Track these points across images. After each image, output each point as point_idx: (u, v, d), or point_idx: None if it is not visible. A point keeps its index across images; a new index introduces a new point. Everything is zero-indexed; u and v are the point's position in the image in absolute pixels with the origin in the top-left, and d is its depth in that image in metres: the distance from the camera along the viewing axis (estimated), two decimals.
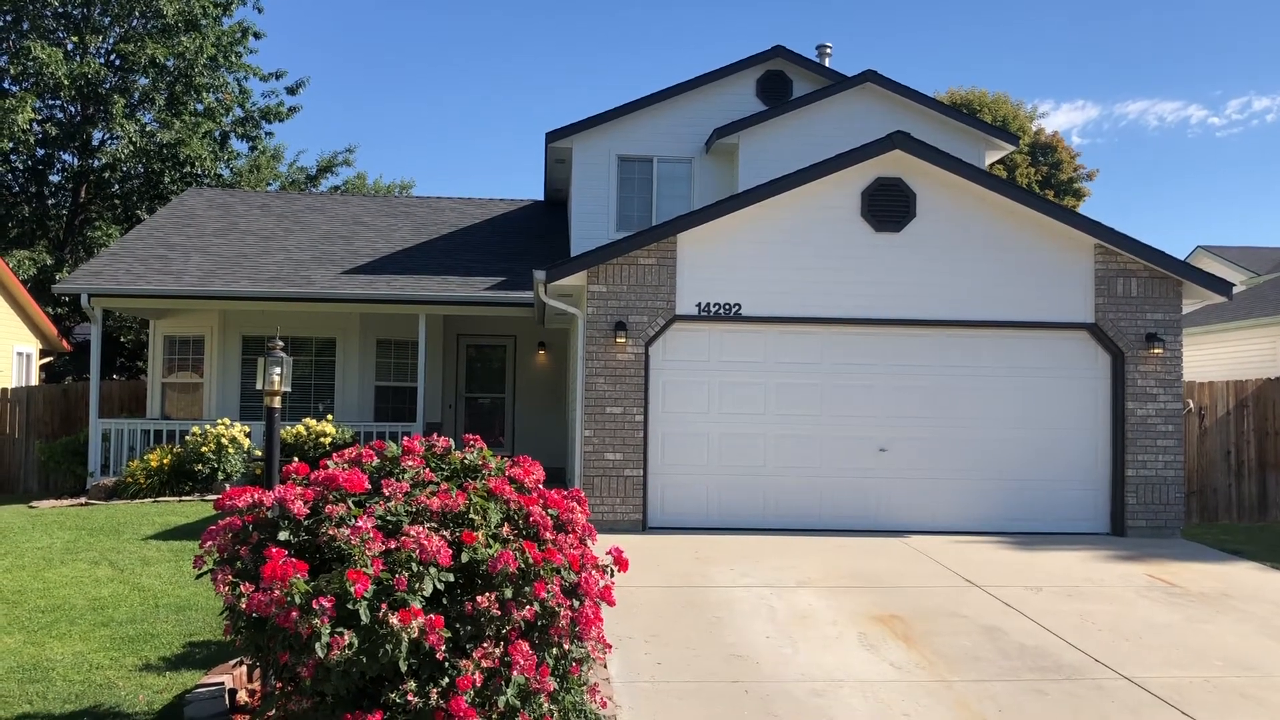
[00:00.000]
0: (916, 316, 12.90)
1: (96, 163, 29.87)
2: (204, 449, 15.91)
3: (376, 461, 5.67)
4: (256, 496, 5.12)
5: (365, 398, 19.42)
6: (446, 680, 4.76)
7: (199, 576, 5.15)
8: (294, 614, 4.41)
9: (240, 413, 18.88)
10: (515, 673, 4.81)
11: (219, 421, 16.59)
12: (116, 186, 30.75)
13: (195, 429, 16.49)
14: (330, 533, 4.79)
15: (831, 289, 12.83)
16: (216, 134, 31.92)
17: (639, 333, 12.54)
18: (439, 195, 24.95)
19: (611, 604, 5.49)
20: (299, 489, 5.12)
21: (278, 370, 6.23)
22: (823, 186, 12.87)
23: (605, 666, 6.96)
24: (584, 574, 5.31)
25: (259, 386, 6.25)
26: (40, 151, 30.21)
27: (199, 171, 29.96)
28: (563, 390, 19.41)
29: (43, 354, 27.50)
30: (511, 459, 6.06)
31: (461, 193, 31.37)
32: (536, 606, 4.98)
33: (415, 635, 4.55)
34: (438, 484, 5.47)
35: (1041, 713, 6.62)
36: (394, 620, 4.48)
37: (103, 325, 17.54)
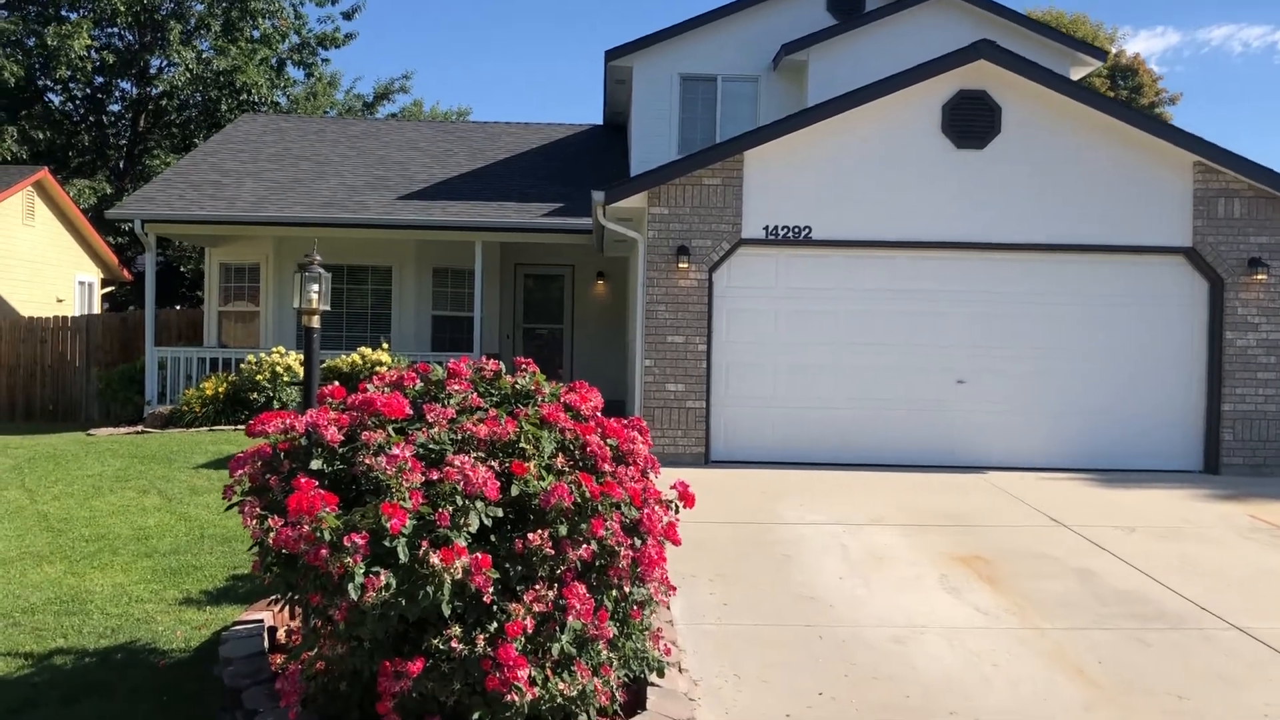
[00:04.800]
0: (999, 240, 12.10)
1: (154, 90, 29.69)
2: (258, 377, 15.67)
3: (420, 385, 5.18)
4: (288, 421, 4.66)
5: (422, 328, 19.05)
6: (495, 625, 4.30)
7: (229, 508, 4.72)
8: (323, 551, 3.96)
9: (296, 341, 18.59)
10: (570, 618, 4.33)
11: (274, 350, 16.34)
12: (174, 115, 30.56)
13: (250, 357, 16.25)
14: (366, 462, 4.31)
15: (908, 210, 12.07)
16: (273, 61, 31.51)
17: (702, 258, 11.92)
18: (496, 121, 24.34)
19: (677, 543, 4.99)
20: (333, 414, 4.64)
21: (315, 287, 5.76)
22: (900, 100, 12.05)
23: (668, 609, 6.49)
24: (646, 510, 4.80)
25: (295, 305, 5.78)
26: (99, 80, 30.04)
27: (255, 99, 29.61)
28: (622, 321, 18.88)
29: (104, 284, 27.60)
30: (567, 385, 5.54)
31: (519, 119, 30.66)
32: (594, 545, 4.48)
33: (459, 576, 4.08)
34: (486, 410, 4.97)
35: (1148, 665, 6.03)
36: (435, 559, 4.01)
37: (163, 254, 17.44)
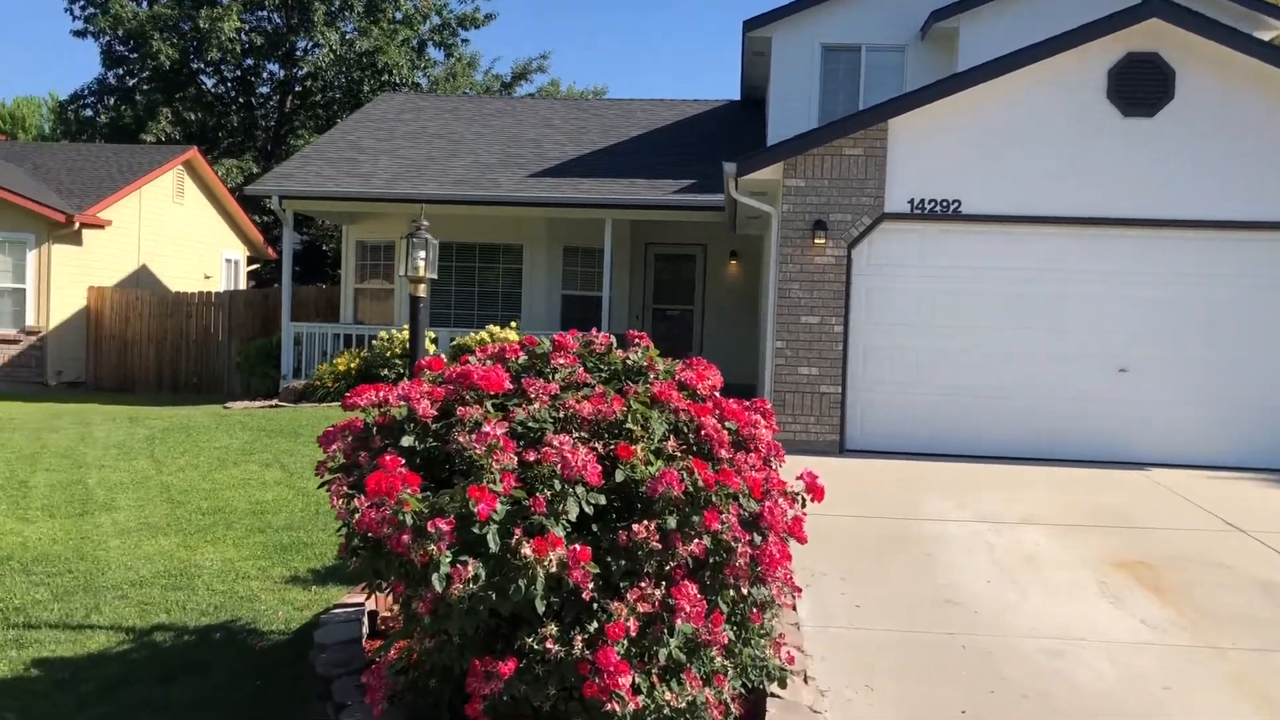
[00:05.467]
0: (1170, 216, 11.04)
1: (299, 72, 30.34)
2: (389, 353, 15.67)
3: (523, 358, 4.76)
4: (381, 395, 4.29)
5: (552, 307, 18.83)
6: (594, 625, 3.84)
7: (320, 486, 4.38)
8: (405, 537, 3.56)
9: (431, 319, 18.61)
10: (680, 620, 3.84)
11: (405, 326, 16.32)
12: (318, 96, 31.21)
13: (382, 333, 16.28)
14: (460, 440, 3.90)
15: (1067, 184, 11.11)
16: (414, 42, 31.85)
17: (840, 233, 11.23)
18: (630, 98, 23.95)
19: (803, 540, 4.44)
20: (427, 386, 4.25)
21: (422, 254, 5.41)
22: (1061, 64, 11.09)
23: (793, 610, 5.93)
24: (768, 502, 4.27)
25: (400, 272, 5.45)
26: (248, 62, 30.88)
27: (396, 80, 29.98)
28: (755, 303, 18.26)
29: (250, 261, 28.36)
30: (684, 362, 5.03)
31: (655, 96, 30.17)
32: (707, 540, 3.97)
33: (554, 569, 3.63)
34: (592, 387, 4.51)
35: None
36: (527, 550, 3.57)
37: (306, 233, 17.65)
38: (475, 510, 3.51)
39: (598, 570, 3.80)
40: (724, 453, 4.30)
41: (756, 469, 4.46)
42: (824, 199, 11.22)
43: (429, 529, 3.51)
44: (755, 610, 4.45)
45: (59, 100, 35.11)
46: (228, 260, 26.94)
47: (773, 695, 4.64)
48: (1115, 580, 7.06)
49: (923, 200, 11.20)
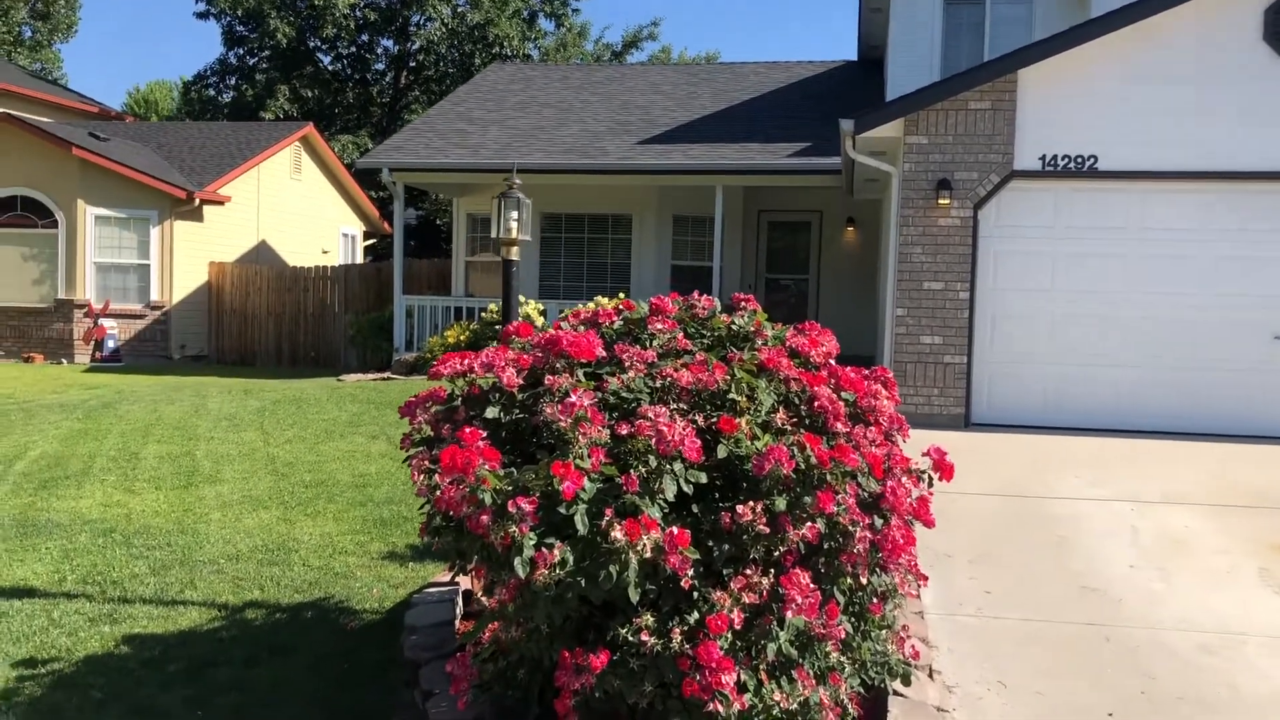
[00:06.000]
0: None
1: (413, 46, 30.48)
2: (498, 325, 15.52)
3: (618, 324, 4.38)
4: (465, 363, 3.97)
5: (661, 277, 18.43)
6: (695, 616, 3.47)
7: (405, 460, 4.10)
8: (484, 517, 3.23)
9: (539, 291, 18.43)
10: (790, 613, 3.44)
11: None
12: (431, 70, 31.36)
13: (491, 305, 16.15)
14: (546, 411, 3.55)
15: (1215, 135, 10.20)
16: (524, 13, 31.71)
17: (966, 192, 10.54)
18: (742, 61, 23.33)
19: (929, 524, 3.98)
20: (513, 354, 3.92)
21: (515, 215, 5.09)
22: (1210, 5, 10.16)
23: (918, 598, 5.46)
24: (890, 482, 3.82)
25: (493, 234, 5.14)
26: (362, 38, 31.18)
27: (508, 52, 29.89)
28: (873, 271, 17.56)
29: (366, 236, 28.70)
30: (794, 327, 4.59)
31: (768, 58, 29.32)
32: (821, 524, 3.55)
33: (648, 554, 3.26)
34: (693, 354, 4.11)
35: None
36: (617, 533, 3.21)
37: (421, 208, 17.62)
38: (560, 489, 3.16)
39: (698, 556, 3.42)
40: (840, 426, 3.86)
41: (877, 444, 4.01)
42: (948, 157, 10.54)
43: (510, 509, 3.18)
44: (875, 600, 4.01)
45: (185, 82, 36.09)
46: (344, 235, 27.29)
47: (896, 693, 4.21)
48: (1278, 568, 6.39)
49: (1055, 157, 10.42)
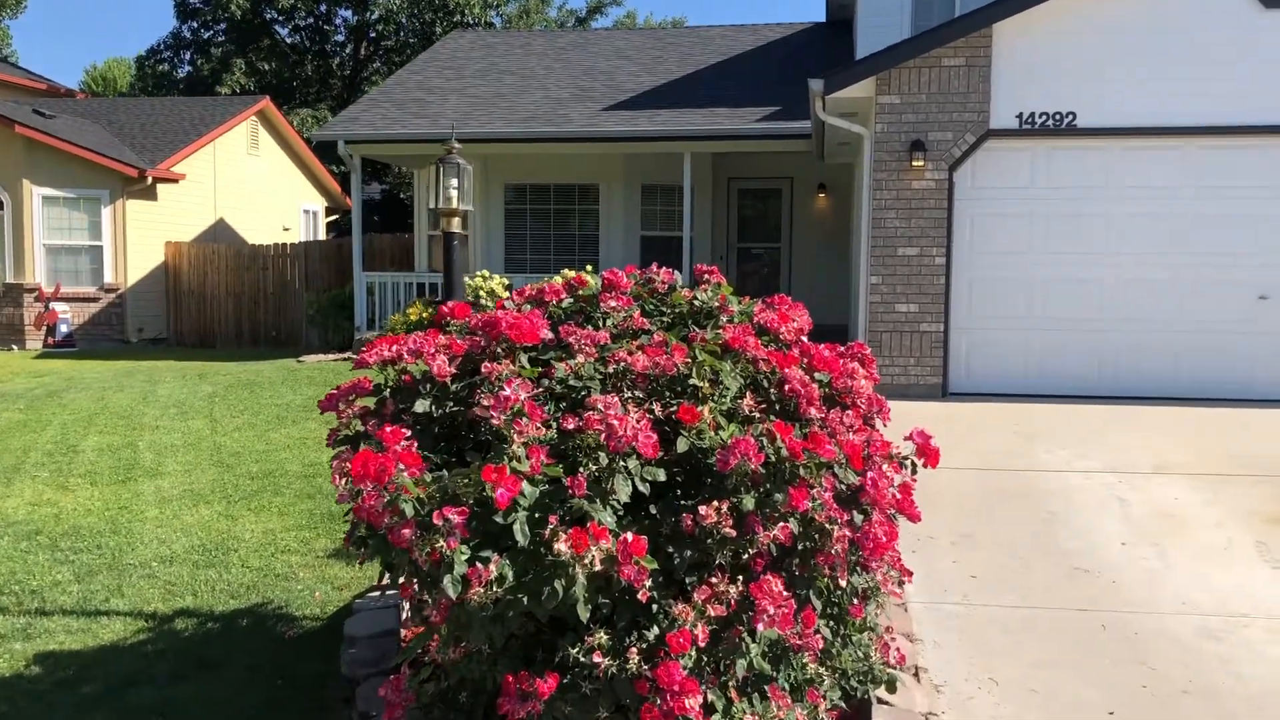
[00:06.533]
0: None
1: (372, 16, 29.71)
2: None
3: (568, 301, 3.96)
4: (394, 350, 3.54)
5: (630, 249, 17.96)
6: (655, 632, 3.07)
7: (333, 458, 3.67)
8: (406, 531, 2.81)
9: (505, 265, 17.92)
10: (761, 625, 3.04)
11: (477, 274, 15.62)
12: (391, 40, 30.61)
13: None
14: (481, 406, 3.12)
15: (1198, 89, 9.83)
16: None
17: (941, 153, 10.13)
18: (709, 25, 22.78)
19: (915, 518, 3.59)
20: (445, 338, 3.48)
21: (454, 183, 4.63)
22: None
23: (902, 596, 5.09)
24: (870, 472, 3.42)
25: (430, 205, 4.67)
26: (320, 8, 30.36)
27: (469, 20, 29.18)
28: (846, 239, 17.16)
29: (329, 212, 28.03)
30: (764, 302, 4.18)
31: (735, 22, 28.66)
32: (794, 524, 3.15)
33: (597, 567, 2.85)
34: (650, 334, 3.69)
35: None
36: (561, 544, 2.80)
37: (384, 182, 17.09)
38: (492, 496, 2.74)
39: (656, 565, 3.02)
40: (814, 411, 3.46)
41: (855, 430, 3.61)
42: (921, 117, 10.13)
43: (435, 521, 2.76)
44: (856, 602, 3.63)
45: (139, 58, 35.10)
46: (306, 211, 26.63)
47: (880, 702, 3.84)
48: (1277, 540, 6.07)
49: (1032, 114, 10.03)
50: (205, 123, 22.51)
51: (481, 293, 14.84)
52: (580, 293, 3.91)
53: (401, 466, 2.78)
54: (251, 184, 23.97)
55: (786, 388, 3.47)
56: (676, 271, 4.19)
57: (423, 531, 2.81)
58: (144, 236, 20.42)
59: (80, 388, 12.02)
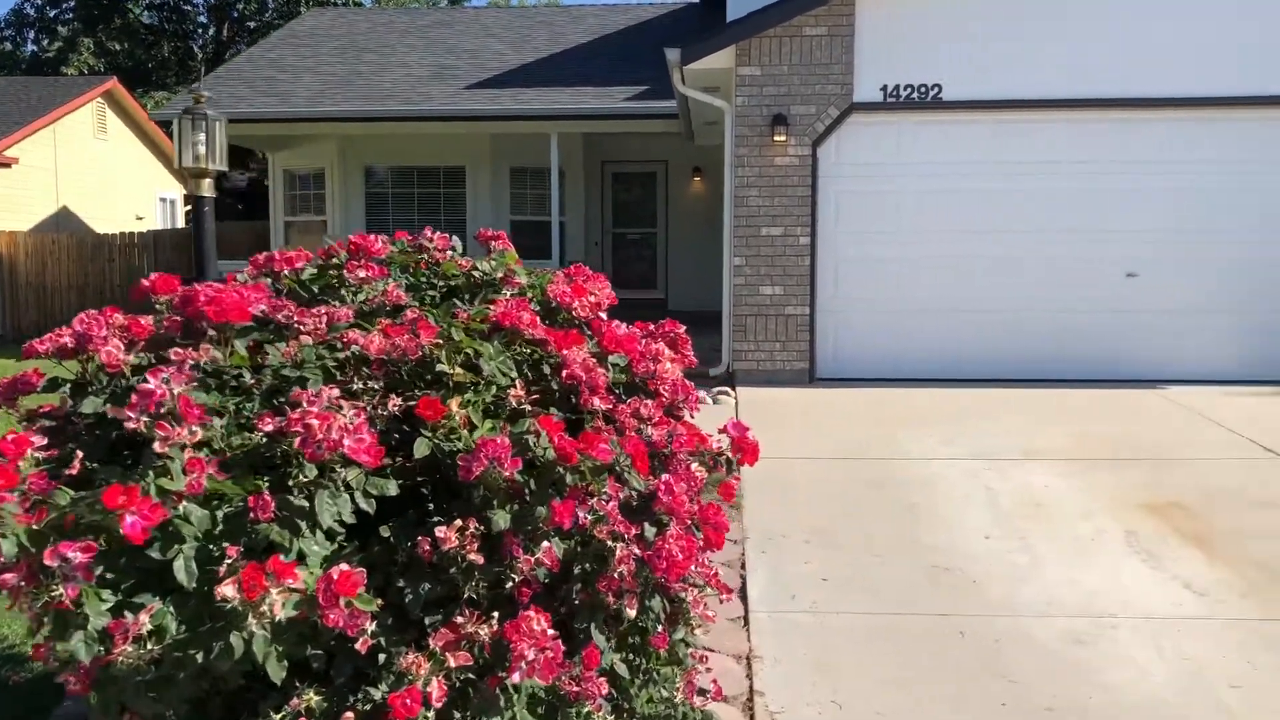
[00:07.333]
0: (1187, 94, 9.50)
1: None
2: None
3: (310, 271, 3.25)
4: (71, 335, 2.79)
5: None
6: (383, 690, 2.40)
7: None
8: (10, 576, 2.08)
9: None
10: (517, 674, 2.39)
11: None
12: (255, 20, 29.15)
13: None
14: (127, 406, 2.39)
15: (1069, 62, 9.53)
16: None
17: (804, 128, 9.64)
18: (580, 3, 22.09)
19: (718, 542, 2.97)
20: (123, 319, 2.75)
21: (201, 138, 3.87)
22: None
23: (713, 615, 4.51)
24: (667, 475, 2.80)
25: (177, 164, 3.92)
26: None
27: (336, 0, 27.93)
28: (720, 222, 16.67)
29: (188, 199, 26.53)
30: (564, 272, 3.53)
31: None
32: (557, 544, 2.51)
33: (280, 615, 2.17)
34: (402, 310, 3.01)
35: None
36: (227, 589, 2.10)
37: (253, 168, 15.96)
38: (119, 525, 2.03)
39: (377, 606, 2.34)
40: (597, 402, 2.82)
41: (654, 423, 2.99)
42: (784, 89, 9.62)
43: (47, 560, 2.03)
44: (660, 630, 3.00)
45: None
46: (163, 200, 25.16)
47: None
48: (1146, 530, 5.69)
49: (897, 87, 9.61)
50: (44, 104, 21.00)
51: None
52: (322, 262, 3.21)
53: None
54: (99, 170, 22.48)
55: (565, 373, 2.83)
56: (455, 237, 3.52)
57: (38, 576, 2.08)
58: None
59: None
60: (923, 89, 9.56)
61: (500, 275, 3.36)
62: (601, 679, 2.65)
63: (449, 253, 3.43)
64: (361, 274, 3.06)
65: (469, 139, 16.43)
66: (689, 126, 13.41)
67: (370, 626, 2.36)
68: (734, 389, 9.39)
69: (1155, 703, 3.80)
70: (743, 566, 5.21)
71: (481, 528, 2.50)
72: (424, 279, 3.38)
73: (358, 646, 2.34)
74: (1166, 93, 9.49)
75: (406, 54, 17.73)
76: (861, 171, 9.78)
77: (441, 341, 2.72)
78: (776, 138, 9.55)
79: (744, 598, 4.80)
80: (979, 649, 4.30)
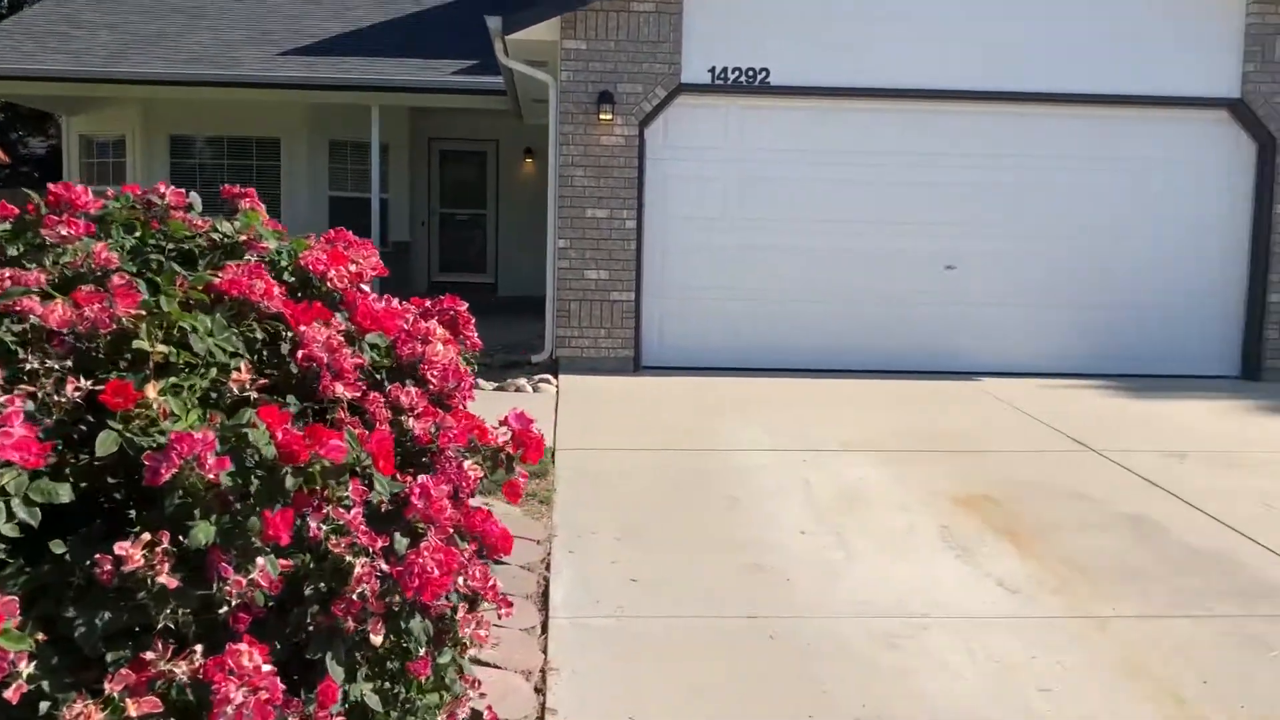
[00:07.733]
0: (1002, 88, 9.60)
1: None
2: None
3: (3, 228, 2.69)
4: None
5: (317, 211, 16.28)
6: None
7: None
8: None
9: None
10: None
11: None
12: None
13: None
14: None
15: (899, 52, 9.48)
16: None
17: (631, 107, 9.31)
18: None
19: (499, 548, 2.58)
20: None
21: None
22: None
23: (484, 635, 4.13)
24: (424, 477, 2.39)
25: None
26: None
27: None
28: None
29: None
30: (323, 238, 3.06)
31: None
32: (269, 564, 2.07)
33: None
34: (110, 274, 2.49)
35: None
36: None
37: (51, 135, 14.56)
38: None
39: (38, 641, 1.85)
40: (340, 388, 2.38)
41: (418, 414, 2.57)
42: (610, 66, 9.26)
43: None
44: (422, 654, 2.59)
45: None
46: None
47: None
48: (960, 523, 5.60)
49: (725, 69, 9.38)
50: None
51: None
52: (24, 219, 2.65)
53: None
54: None
55: (301, 353, 2.37)
56: (192, 191, 3.01)
57: None
58: None
59: None
60: (750, 73, 9.37)
61: (243, 238, 2.87)
62: (338, 718, 2.23)
63: (185, 211, 2.91)
64: (64, 231, 2.53)
65: (285, 109, 15.50)
66: (517, 104, 12.95)
67: (26, 669, 1.87)
68: (556, 377, 9.03)
69: (965, 711, 3.62)
70: (547, 568, 4.84)
71: (182, 541, 2.03)
72: (152, 241, 2.85)
73: (7, 695, 1.85)
74: (979, 86, 9.56)
75: (219, 16, 16.59)
76: (690, 155, 9.52)
77: (144, 313, 2.23)
78: (603, 116, 9.19)
79: (545, 603, 4.43)
80: (789, 654, 4.05)
